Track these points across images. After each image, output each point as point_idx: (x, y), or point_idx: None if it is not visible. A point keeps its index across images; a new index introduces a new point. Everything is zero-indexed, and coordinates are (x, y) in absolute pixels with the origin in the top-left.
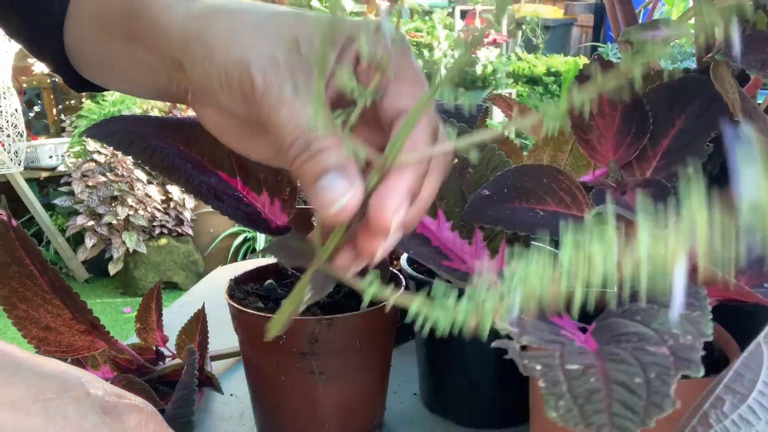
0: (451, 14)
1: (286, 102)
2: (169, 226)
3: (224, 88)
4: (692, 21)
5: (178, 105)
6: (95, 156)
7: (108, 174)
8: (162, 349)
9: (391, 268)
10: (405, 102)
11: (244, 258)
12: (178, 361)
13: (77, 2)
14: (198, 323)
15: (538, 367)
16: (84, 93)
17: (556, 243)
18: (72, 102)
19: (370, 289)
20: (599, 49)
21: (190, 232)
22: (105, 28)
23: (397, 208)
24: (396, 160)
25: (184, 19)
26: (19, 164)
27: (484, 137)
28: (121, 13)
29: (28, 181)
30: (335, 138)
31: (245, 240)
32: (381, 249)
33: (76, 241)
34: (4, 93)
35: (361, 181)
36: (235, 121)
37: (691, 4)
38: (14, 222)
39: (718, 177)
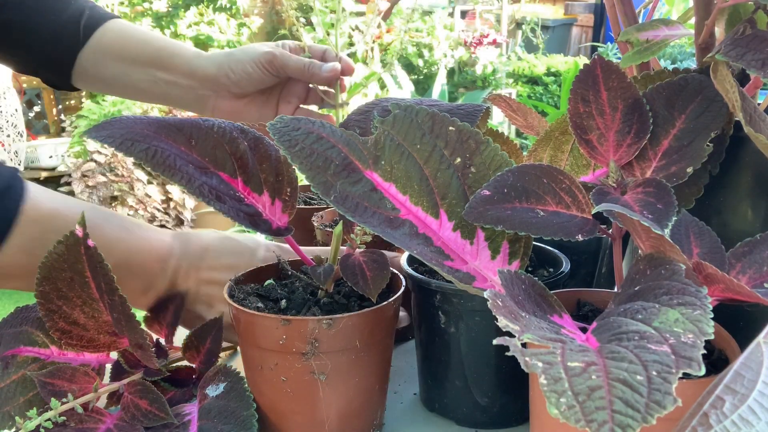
0: (451, 14)
1: (291, 57)
2: (169, 226)
3: (257, 68)
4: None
5: None
6: (95, 156)
7: (108, 174)
8: (162, 340)
9: (391, 269)
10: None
11: None
12: (185, 362)
13: (99, 39)
14: (212, 330)
15: (540, 364)
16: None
17: (556, 243)
18: (72, 102)
19: None
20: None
21: None
22: (128, 58)
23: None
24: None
25: (208, 57)
26: (19, 164)
27: None
28: (152, 52)
29: (28, 180)
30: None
31: None
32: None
33: None
34: (4, 93)
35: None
36: (247, 98)
37: (691, 4)
38: (90, 242)
39: (719, 177)
